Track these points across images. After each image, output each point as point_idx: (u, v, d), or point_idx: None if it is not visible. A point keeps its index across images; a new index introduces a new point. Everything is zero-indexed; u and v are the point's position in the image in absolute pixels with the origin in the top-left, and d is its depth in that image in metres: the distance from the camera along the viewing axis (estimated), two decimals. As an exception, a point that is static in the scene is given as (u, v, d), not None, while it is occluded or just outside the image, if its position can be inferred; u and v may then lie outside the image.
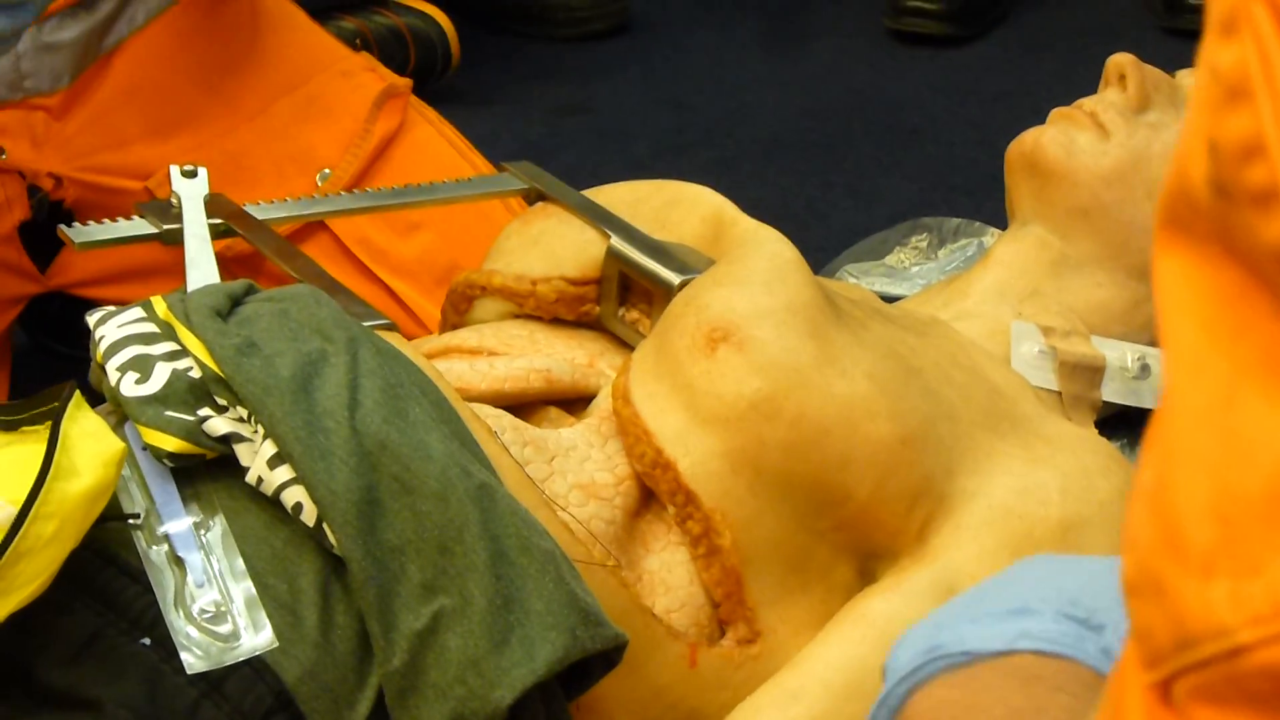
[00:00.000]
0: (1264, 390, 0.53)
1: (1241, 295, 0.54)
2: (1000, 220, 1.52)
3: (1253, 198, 0.52)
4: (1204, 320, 0.55)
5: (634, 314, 1.43)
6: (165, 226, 1.52)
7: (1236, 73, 0.53)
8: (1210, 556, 0.54)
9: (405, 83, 1.83)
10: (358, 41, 2.33)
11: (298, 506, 1.15)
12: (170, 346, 1.21)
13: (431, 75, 2.40)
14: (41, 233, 1.70)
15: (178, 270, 1.42)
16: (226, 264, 1.53)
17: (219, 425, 1.17)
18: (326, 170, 1.74)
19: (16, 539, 1.05)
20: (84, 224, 1.55)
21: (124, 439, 1.16)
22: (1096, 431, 1.42)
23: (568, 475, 1.27)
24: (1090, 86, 1.54)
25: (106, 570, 1.14)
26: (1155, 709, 0.57)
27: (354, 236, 1.71)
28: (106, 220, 1.55)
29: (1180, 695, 0.56)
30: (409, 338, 1.39)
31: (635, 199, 1.49)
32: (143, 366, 1.20)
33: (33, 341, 1.80)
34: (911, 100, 2.44)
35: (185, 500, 1.18)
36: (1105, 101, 1.52)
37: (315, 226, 1.70)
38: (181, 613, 1.13)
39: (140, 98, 1.75)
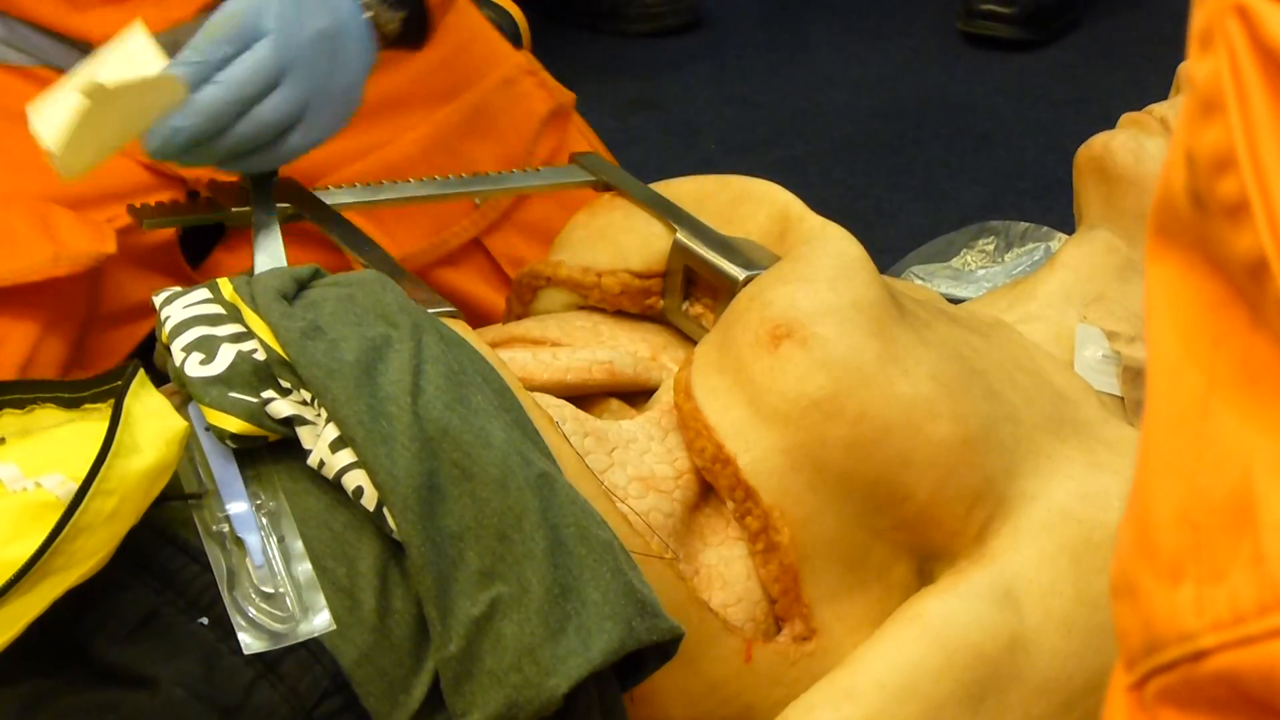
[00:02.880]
0: (1236, 401, 0.53)
1: (1221, 305, 0.54)
2: (1068, 226, 1.50)
3: (1225, 209, 0.52)
4: (1184, 329, 0.55)
5: (698, 308, 1.42)
6: (233, 209, 1.52)
7: (1211, 85, 0.53)
8: (1178, 561, 0.55)
9: (570, 98, 1.80)
10: None
11: (358, 490, 1.13)
12: (236, 328, 1.20)
13: None
14: (194, 234, 1.68)
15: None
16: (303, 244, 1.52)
17: (282, 408, 1.16)
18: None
19: (76, 514, 1.04)
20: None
21: (187, 419, 1.14)
22: (1158, 437, 1.39)
23: (627, 467, 1.26)
24: (1162, 93, 1.52)
25: (166, 549, 1.13)
26: (1133, 710, 0.58)
27: (510, 259, 1.70)
28: (177, 201, 1.56)
29: (1150, 697, 0.57)
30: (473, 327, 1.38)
31: (702, 194, 1.47)
32: (208, 347, 1.19)
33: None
34: (982, 104, 2.45)
35: (246, 481, 1.16)
36: (1176, 107, 1.49)
37: (473, 248, 1.68)
38: (240, 593, 1.12)
39: None
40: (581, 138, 1.80)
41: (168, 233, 1.62)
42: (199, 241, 1.67)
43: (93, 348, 1.60)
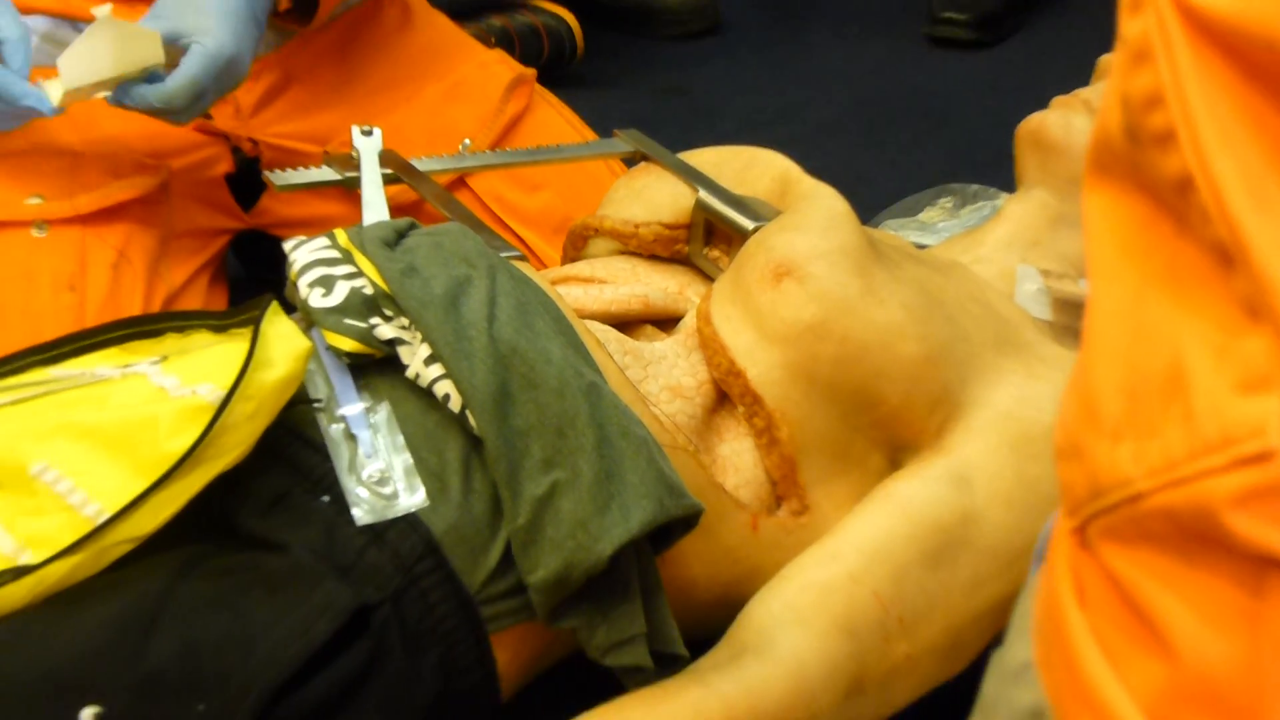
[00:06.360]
0: (1166, 294, 0.53)
1: (1151, 220, 0.54)
2: (1010, 187, 1.53)
3: (1155, 139, 0.53)
4: (1120, 241, 0.55)
5: (715, 253, 1.44)
6: (346, 174, 1.56)
7: (1141, 40, 0.53)
8: (1119, 424, 0.54)
9: (530, 72, 1.83)
10: (503, 35, 2.32)
11: (446, 397, 1.16)
12: (349, 269, 1.23)
13: (561, 63, 2.39)
14: (244, 183, 1.73)
15: (344, 221, 1.42)
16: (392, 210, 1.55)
17: (386, 331, 1.19)
18: (467, 140, 1.73)
19: (223, 415, 1.08)
20: (280, 170, 1.59)
21: (311, 340, 1.17)
22: (1082, 354, 1.41)
23: (659, 379, 1.28)
24: (1085, 82, 1.54)
25: (295, 443, 1.17)
26: (1074, 549, 0.58)
27: (491, 195, 1.71)
28: (300, 168, 1.59)
29: (1093, 536, 0.57)
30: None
31: (719, 161, 1.49)
32: (327, 284, 1.22)
33: (248, 273, 1.83)
34: (943, 92, 2.43)
35: (358, 390, 1.19)
36: (1097, 91, 1.50)
37: (460, 186, 1.70)
38: (353, 478, 1.15)
39: (318, 83, 1.74)
40: (544, 102, 1.83)
41: (219, 178, 1.70)
42: (247, 188, 1.73)
43: (172, 253, 1.66)
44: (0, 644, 1.03)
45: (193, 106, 1.50)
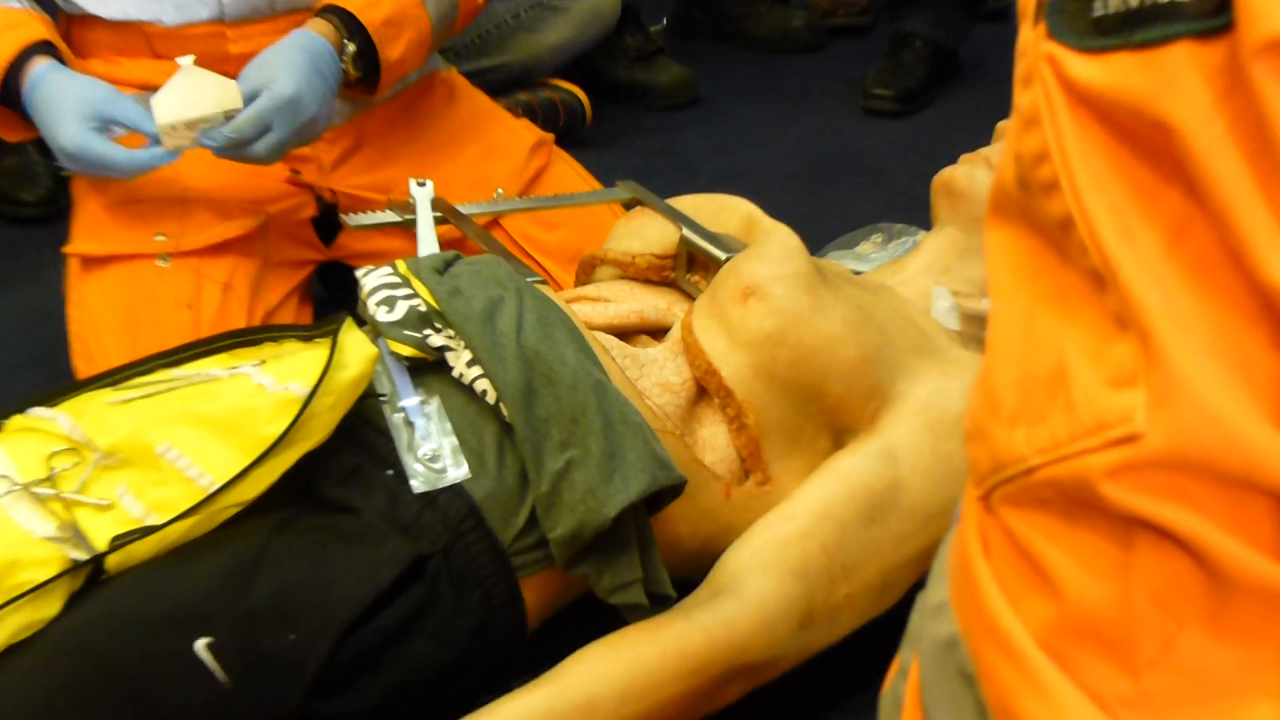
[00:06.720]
0: (1051, 309, 0.53)
1: (1038, 252, 0.53)
2: (928, 226, 1.52)
3: (1042, 187, 0.52)
4: (1014, 268, 0.54)
5: (696, 277, 1.43)
6: (405, 217, 1.56)
7: (1031, 108, 0.52)
8: (1015, 413, 0.54)
9: (550, 136, 1.81)
10: (528, 107, 2.30)
11: (484, 392, 1.16)
12: (408, 291, 1.23)
13: (574, 129, 2.37)
14: (325, 224, 1.72)
15: (404, 253, 1.41)
16: (441, 245, 1.54)
17: (436, 340, 1.19)
18: (500, 190, 1.72)
19: (309, 406, 1.09)
20: (353, 214, 1.59)
21: (378, 348, 1.18)
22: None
23: (651, 377, 1.27)
24: (987, 143, 1.53)
25: (365, 427, 1.16)
26: (981, 513, 0.57)
27: (519, 232, 1.70)
28: (369, 212, 1.59)
29: (995, 502, 0.56)
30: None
31: (698, 205, 1.49)
32: (390, 303, 1.22)
33: (329, 295, 1.81)
34: (874, 152, 2.40)
35: (415, 386, 1.19)
36: (995, 150, 1.49)
37: (495, 226, 1.69)
38: (411, 456, 1.14)
39: (383, 145, 1.73)
40: (560, 159, 1.81)
41: (307, 218, 1.68)
42: (327, 227, 1.71)
43: (269, 279, 1.64)
44: (131, 587, 1.04)
45: (264, 141, 1.46)
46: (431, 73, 1.80)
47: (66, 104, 1.43)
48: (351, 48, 1.55)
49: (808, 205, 2.12)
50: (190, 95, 1.42)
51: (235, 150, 1.47)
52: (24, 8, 1.54)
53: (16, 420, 1.15)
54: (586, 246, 1.59)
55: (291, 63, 1.47)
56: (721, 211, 1.46)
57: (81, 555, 1.04)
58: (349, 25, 1.55)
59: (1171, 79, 0.47)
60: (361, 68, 1.57)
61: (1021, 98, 0.53)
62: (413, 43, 1.59)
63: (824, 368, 1.23)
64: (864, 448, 1.23)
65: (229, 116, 1.44)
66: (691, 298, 1.42)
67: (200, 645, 0.99)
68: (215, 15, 1.60)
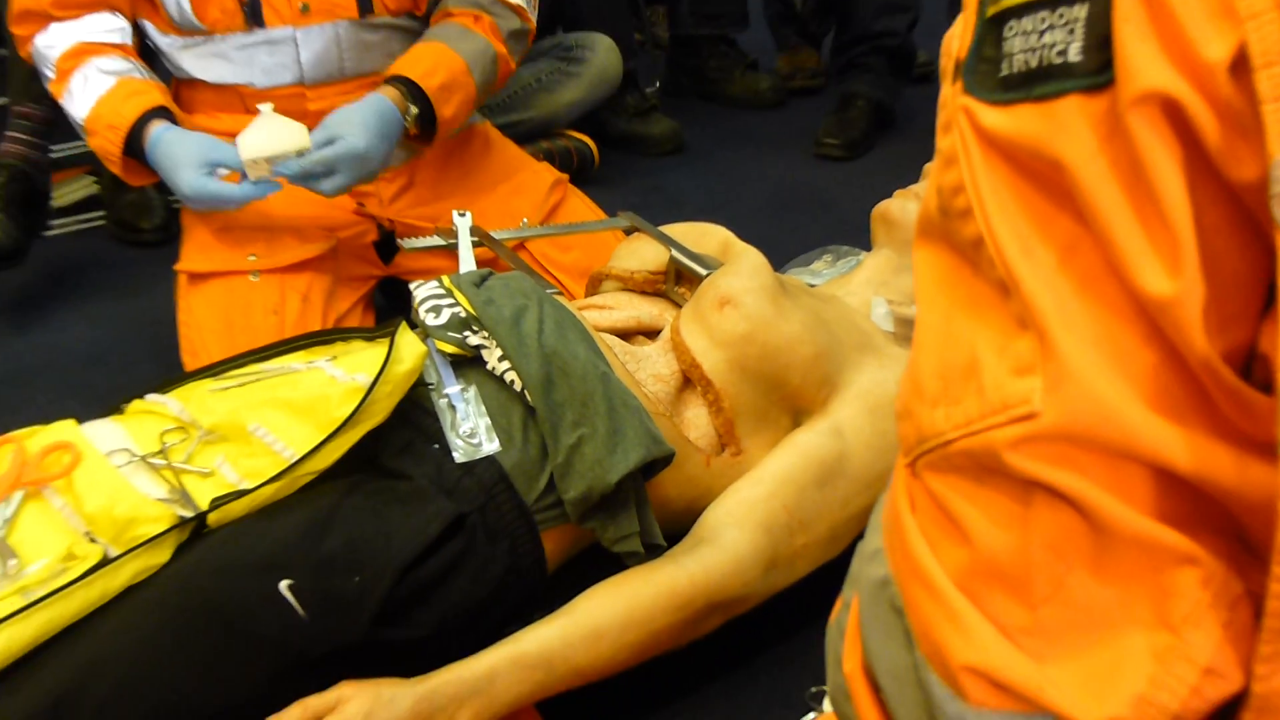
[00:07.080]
0: (966, 313, 0.52)
1: (955, 267, 0.53)
2: (869, 248, 1.46)
3: (959, 214, 0.52)
4: (936, 280, 0.54)
5: (682, 290, 1.42)
6: (449, 241, 1.55)
7: (950, 150, 0.52)
8: (936, 396, 0.53)
9: (565, 176, 1.80)
10: (548, 153, 2.30)
11: (512, 382, 1.15)
12: (451, 301, 1.22)
13: (585, 171, 2.36)
14: (385, 246, 1.71)
15: (448, 271, 1.41)
16: (479, 264, 1.54)
17: (474, 340, 1.18)
18: (525, 219, 1.70)
19: (372, 393, 1.08)
20: (408, 239, 1.58)
21: (427, 346, 1.17)
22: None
23: (646, 370, 1.26)
24: (916, 179, 1.51)
25: (416, 410, 1.15)
26: (908, 477, 0.57)
27: (540, 253, 1.68)
28: (420, 237, 1.59)
29: (919, 468, 0.55)
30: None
31: (684, 231, 1.48)
32: (437, 310, 1.21)
33: (388, 304, 1.80)
34: (824, 189, 2.38)
35: (457, 377, 1.18)
36: (922, 185, 1.48)
37: (521, 248, 1.68)
38: (454, 433, 1.14)
39: (432, 183, 1.72)
40: (574, 194, 1.80)
41: (370, 241, 1.67)
42: (387, 249, 1.70)
43: (339, 291, 1.63)
44: (228, 539, 1.03)
45: (330, 181, 1.45)
46: (471, 125, 1.79)
47: (181, 157, 1.45)
48: (414, 110, 1.55)
49: (772, 232, 2.11)
50: (268, 136, 1.43)
51: (304, 182, 1.47)
52: (145, 78, 1.54)
53: (136, 404, 1.16)
54: (595, 264, 1.58)
55: (365, 121, 1.48)
56: (703, 236, 1.45)
57: (188, 513, 1.04)
58: (413, 91, 1.55)
59: (1064, 125, 0.46)
60: (420, 124, 1.57)
61: (943, 141, 0.53)
62: (462, 103, 1.59)
63: (786, 362, 1.22)
64: (817, 426, 1.22)
65: (300, 153, 1.44)
66: (679, 306, 1.41)
67: (283, 586, 0.99)
68: (296, 79, 1.60)
